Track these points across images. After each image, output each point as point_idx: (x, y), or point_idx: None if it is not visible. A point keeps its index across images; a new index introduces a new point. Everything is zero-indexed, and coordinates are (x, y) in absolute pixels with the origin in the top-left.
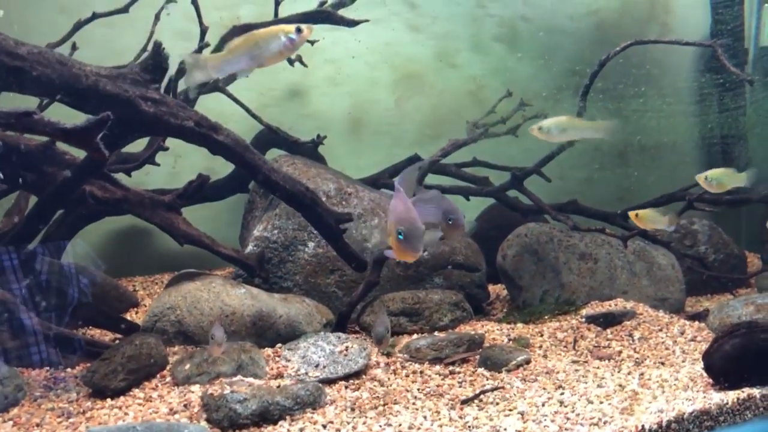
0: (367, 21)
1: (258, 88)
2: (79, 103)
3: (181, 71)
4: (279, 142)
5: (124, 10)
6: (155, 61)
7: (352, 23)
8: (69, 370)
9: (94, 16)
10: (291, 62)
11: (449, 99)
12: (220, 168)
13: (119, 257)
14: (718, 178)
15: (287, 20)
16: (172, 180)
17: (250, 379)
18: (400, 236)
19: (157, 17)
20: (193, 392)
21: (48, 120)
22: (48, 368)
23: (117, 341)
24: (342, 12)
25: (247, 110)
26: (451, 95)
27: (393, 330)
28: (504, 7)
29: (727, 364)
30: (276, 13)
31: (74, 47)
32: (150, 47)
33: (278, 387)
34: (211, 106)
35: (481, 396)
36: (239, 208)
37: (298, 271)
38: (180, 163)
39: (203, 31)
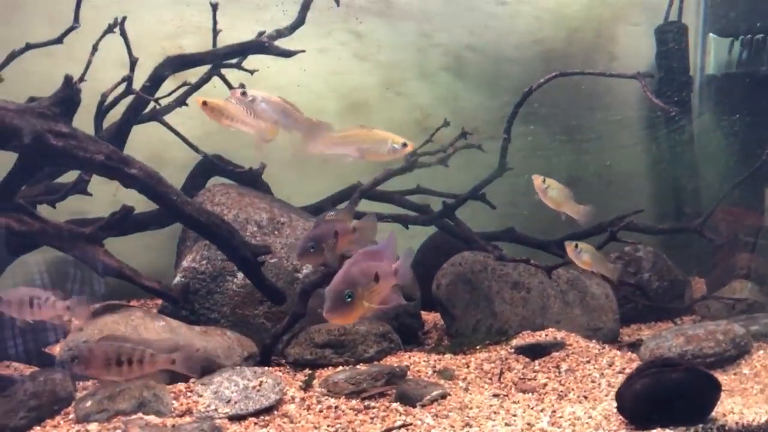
0: (303, 51)
1: (201, 116)
2: None
3: (108, 105)
4: (219, 171)
5: (59, 41)
6: (66, 94)
7: (288, 54)
8: None
9: (28, 47)
10: (230, 88)
11: (396, 127)
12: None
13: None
14: (554, 191)
15: (220, 52)
16: (113, 208)
17: (151, 417)
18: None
19: (95, 47)
20: (89, 431)
21: None
22: None
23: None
24: (284, 42)
25: (184, 140)
26: (398, 123)
27: (317, 362)
28: (449, 37)
29: (638, 404)
30: (214, 43)
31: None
32: (90, 76)
33: (173, 426)
34: (154, 135)
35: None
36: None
37: (226, 302)
38: (121, 191)
39: (133, 63)
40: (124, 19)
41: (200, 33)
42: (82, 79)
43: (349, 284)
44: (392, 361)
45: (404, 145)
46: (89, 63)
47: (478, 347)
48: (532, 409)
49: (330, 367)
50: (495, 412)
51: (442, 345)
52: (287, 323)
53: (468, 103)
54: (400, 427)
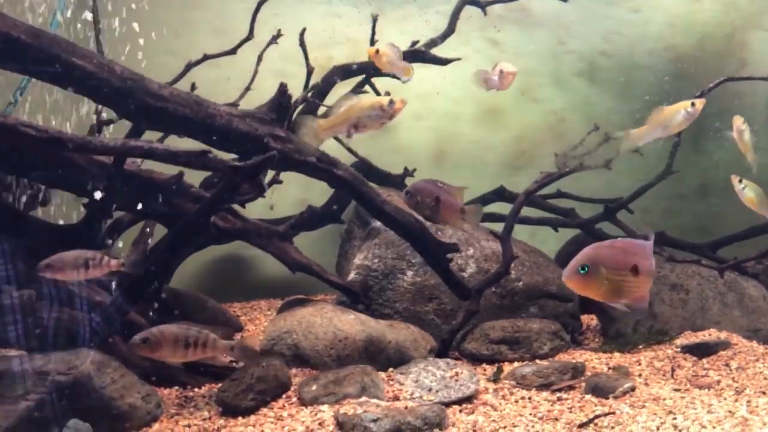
0: (458, 59)
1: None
2: (213, 141)
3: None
4: (371, 175)
5: (232, 51)
6: (280, 101)
7: (444, 61)
8: (196, 390)
9: (205, 57)
10: None
11: (530, 132)
12: (313, 199)
13: (219, 284)
14: (750, 191)
15: None
16: (266, 211)
17: (375, 401)
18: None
19: (259, 58)
20: (323, 411)
21: (220, 159)
22: (177, 388)
23: (232, 364)
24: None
25: (343, 144)
26: (532, 129)
27: (493, 358)
28: (583, 43)
29: None
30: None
31: (193, 87)
32: (252, 85)
33: (406, 408)
34: None
35: (596, 420)
36: (329, 238)
37: (398, 299)
38: (275, 194)
39: (309, 72)
40: (304, 30)
41: (349, 43)
42: (248, 87)
43: (589, 259)
44: (565, 358)
45: (391, 102)
46: (255, 72)
47: (641, 346)
48: (725, 400)
49: (505, 363)
50: (690, 402)
51: (610, 343)
52: (463, 319)
53: (601, 108)
54: (605, 415)
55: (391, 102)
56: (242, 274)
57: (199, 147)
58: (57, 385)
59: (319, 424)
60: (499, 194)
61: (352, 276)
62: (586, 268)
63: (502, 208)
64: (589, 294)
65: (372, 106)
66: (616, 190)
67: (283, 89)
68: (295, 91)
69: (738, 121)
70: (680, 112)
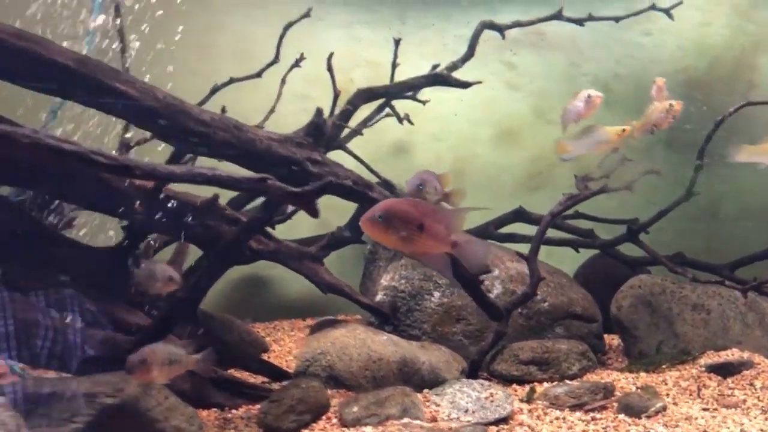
0: (479, 83)
1: (367, 145)
2: (253, 164)
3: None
4: (393, 195)
5: (258, 75)
6: (316, 125)
7: (466, 85)
8: (233, 411)
9: (231, 81)
10: (400, 120)
11: (545, 153)
12: (331, 219)
13: (241, 304)
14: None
15: (406, 84)
16: (289, 231)
17: (417, 422)
18: None
19: (283, 81)
20: None
21: (280, 185)
22: (215, 409)
23: (264, 384)
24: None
25: (367, 166)
26: (548, 149)
27: (523, 378)
28: (597, 66)
29: None
30: (392, 78)
31: (223, 110)
32: (275, 107)
33: (450, 429)
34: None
35: None
36: (349, 258)
37: (426, 320)
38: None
39: (336, 96)
40: (331, 55)
41: (368, 66)
42: (273, 109)
43: (384, 210)
44: (593, 378)
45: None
46: (279, 95)
47: (665, 366)
48: (755, 419)
49: (534, 383)
50: (723, 422)
51: (635, 363)
52: (492, 340)
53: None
54: None
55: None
56: (263, 294)
57: (258, 174)
58: (105, 407)
59: None
60: (518, 214)
61: (379, 297)
62: (381, 218)
63: (522, 228)
64: (382, 240)
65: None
66: (629, 211)
67: (319, 113)
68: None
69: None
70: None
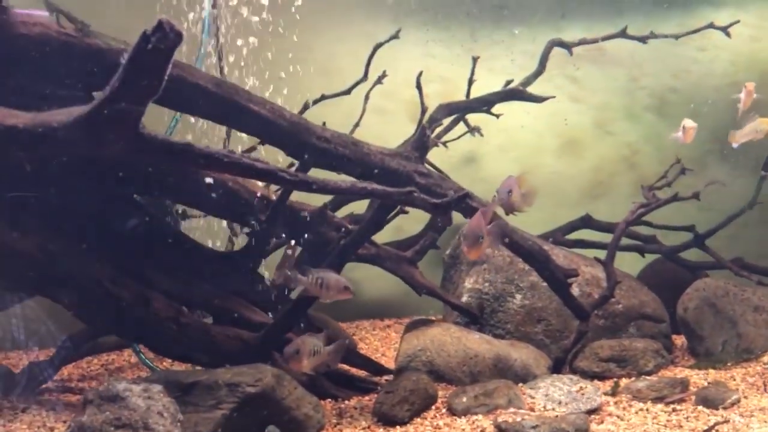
0: (553, 97)
1: (440, 155)
2: (367, 177)
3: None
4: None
5: (347, 92)
6: (422, 141)
7: (540, 99)
8: (347, 402)
9: (323, 97)
10: (472, 132)
11: (606, 163)
12: (407, 225)
13: (326, 306)
14: None
15: (483, 99)
16: None
17: (523, 411)
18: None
19: (366, 97)
20: (479, 420)
21: (424, 197)
22: (330, 400)
23: (370, 377)
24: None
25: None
26: (608, 160)
27: (603, 374)
28: (654, 80)
29: None
30: (468, 92)
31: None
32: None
33: (557, 416)
34: None
35: (716, 427)
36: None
37: (509, 320)
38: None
39: (423, 111)
40: (420, 74)
41: (442, 81)
42: (358, 123)
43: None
44: (667, 374)
45: None
46: (364, 110)
47: (730, 363)
48: None
49: (613, 379)
50: None
51: (703, 361)
52: (575, 339)
53: (671, 142)
54: (722, 423)
55: None
56: None
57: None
58: (247, 395)
59: (481, 431)
60: (585, 221)
61: (465, 299)
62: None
63: (587, 234)
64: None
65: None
66: (682, 218)
67: (423, 130)
68: (393, 126)
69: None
70: None
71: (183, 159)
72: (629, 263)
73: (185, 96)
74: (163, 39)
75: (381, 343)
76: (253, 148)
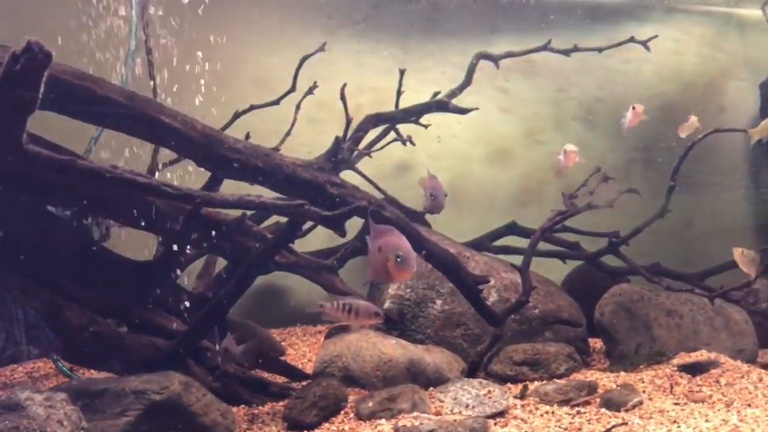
0: (476, 109)
1: (373, 163)
2: (280, 187)
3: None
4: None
5: (276, 102)
6: (335, 152)
7: (464, 111)
8: (260, 408)
9: (251, 108)
10: (403, 142)
11: (535, 171)
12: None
13: (259, 312)
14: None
15: (410, 110)
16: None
17: (425, 415)
18: (399, 260)
19: (297, 107)
20: (382, 425)
21: (314, 209)
22: (243, 406)
23: (286, 384)
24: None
25: (374, 184)
26: (537, 168)
27: (516, 378)
28: (582, 91)
29: None
30: (397, 104)
31: (248, 136)
32: (291, 131)
33: (455, 420)
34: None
35: (612, 430)
36: (351, 269)
37: (429, 325)
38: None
39: (348, 122)
40: (344, 86)
41: (374, 92)
42: (289, 133)
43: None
44: (578, 377)
45: None
46: (294, 120)
47: (642, 366)
48: (718, 411)
49: (527, 382)
50: (690, 414)
51: (616, 364)
52: (490, 343)
53: (597, 151)
54: (620, 425)
55: None
56: (277, 302)
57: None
58: (153, 402)
59: None
60: (511, 228)
61: (387, 305)
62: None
63: (515, 241)
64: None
65: None
66: (609, 225)
67: (337, 141)
68: (326, 135)
69: (737, 253)
70: None
71: (68, 174)
72: (559, 269)
73: (95, 109)
74: (32, 59)
75: (309, 348)
76: (177, 160)
